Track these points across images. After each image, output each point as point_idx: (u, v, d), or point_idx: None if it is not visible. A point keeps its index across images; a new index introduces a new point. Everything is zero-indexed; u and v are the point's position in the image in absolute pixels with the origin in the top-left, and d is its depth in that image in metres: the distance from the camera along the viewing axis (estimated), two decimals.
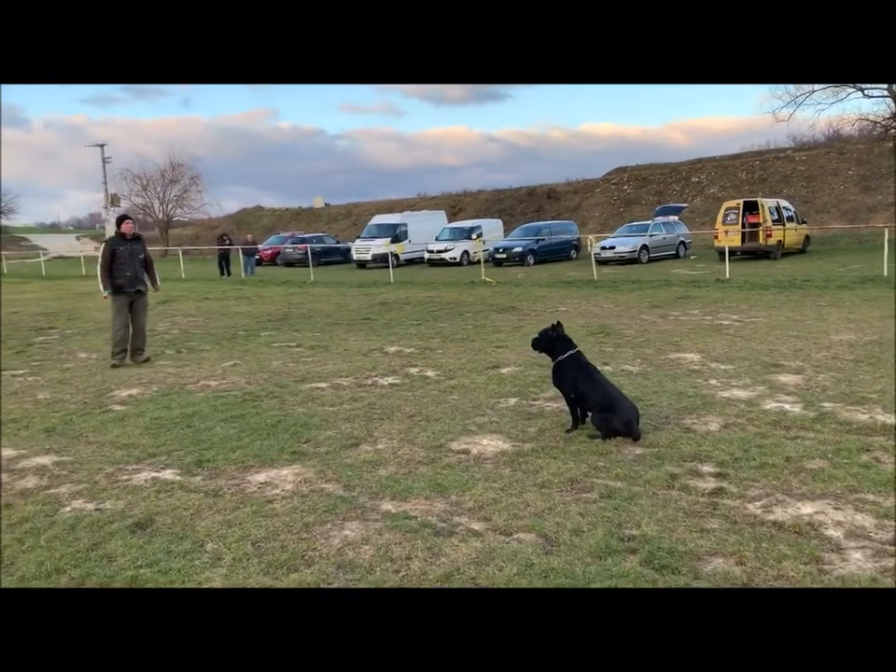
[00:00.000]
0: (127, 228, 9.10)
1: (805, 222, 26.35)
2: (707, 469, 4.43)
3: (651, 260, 24.87)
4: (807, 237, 25.88)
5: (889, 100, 27.74)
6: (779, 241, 23.25)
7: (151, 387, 7.50)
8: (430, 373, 7.67)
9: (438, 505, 4.06)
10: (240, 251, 27.73)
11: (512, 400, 6.34)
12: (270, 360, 8.87)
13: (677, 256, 26.31)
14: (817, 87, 28.37)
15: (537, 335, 5.67)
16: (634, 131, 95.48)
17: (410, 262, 30.40)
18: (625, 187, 44.93)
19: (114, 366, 8.74)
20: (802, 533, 3.51)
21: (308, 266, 26.35)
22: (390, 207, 51.23)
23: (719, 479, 4.25)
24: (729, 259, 21.34)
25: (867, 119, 28.61)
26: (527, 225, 31.27)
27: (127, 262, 8.93)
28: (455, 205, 49.09)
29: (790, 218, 24.39)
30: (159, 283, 9.66)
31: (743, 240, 23.07)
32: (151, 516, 4.07)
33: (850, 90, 28.06)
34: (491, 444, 5.12)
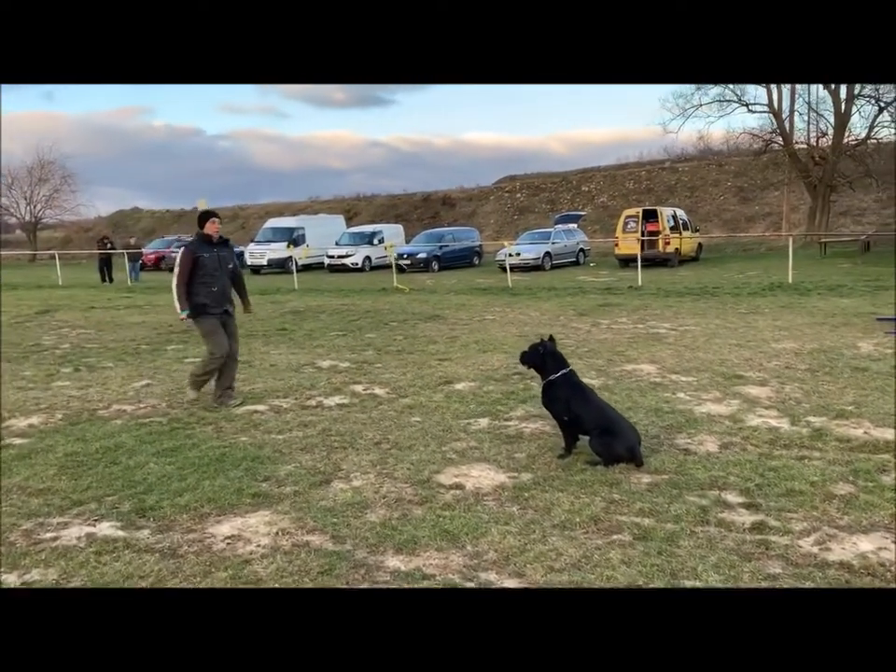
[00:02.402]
0: (213, 228, 6.63)
1: (697, 230, 27.38)
2: (733, 498, 4.06)
3: (553, 267, 25.05)
4: (700, 245, 26.88)
5: (771, 115, 29.33)
6: (676, 249, 23.97)
7: (55, 414, 6.43)
8: (379, 391, 7.01)
9: (455, 558, 3.45)
10: (125, 256, 25.75)
11: (483, 421, 5.80)
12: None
13: (577, 263, 26.66)
14: (704, 100, 29.67)
15: (526, 349, 5.15)
16: (515, 140, 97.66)
17: (307, 268, 29.27)
18: (518, 195, 45.51)
19: (194, 395, 6.67)
20: (876, 575, 3.16)
21: None
22: (280, 210, 49.68)
23: (752, 511, 3.88)
24: (630, 266, 21.79)
25: (751, 134, 30.11)
26: (430, 231, 30.90)
27: (213, 274, 6.55)
28: (350, 210, 48.13)
29: (684, 226, 25.23)
30: (251, 303, 7.32)
31: (643, 247, 23.62)
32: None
33: (735, 104, 29.50)
34: (484, 476, 4.55)
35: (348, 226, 35.12)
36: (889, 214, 33.08)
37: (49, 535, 3.85)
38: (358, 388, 7.18)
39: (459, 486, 4.37)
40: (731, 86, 29.29)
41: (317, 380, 7.63)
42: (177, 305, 6.54)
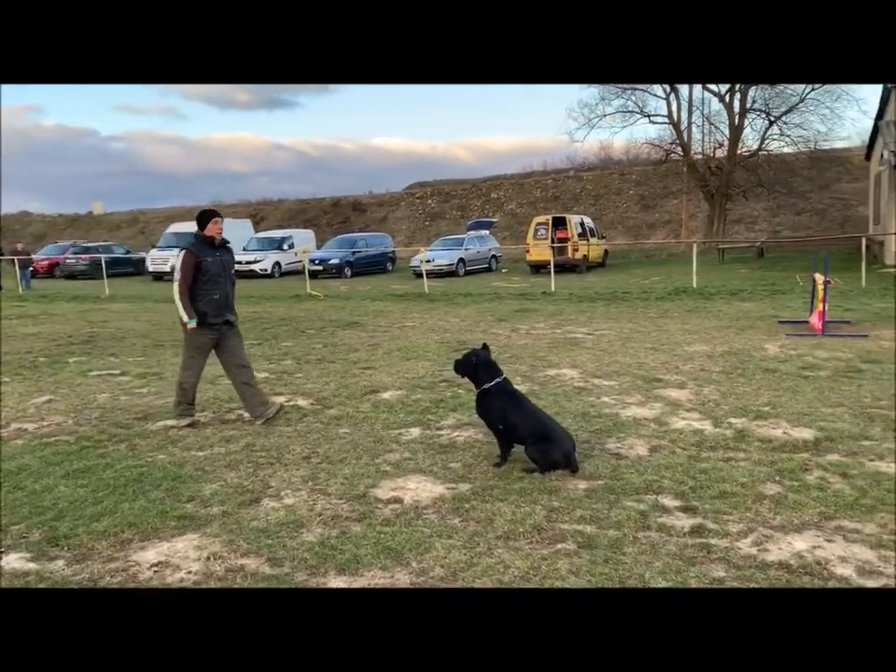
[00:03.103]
0: (215, 230, 6.07)
1: (604, 237, 28.18)
2: (669, 502, 4.11)
3: (467, 273, 25.23)
4: (606, 251, 27.67)
5: (671, 126, 30.57)
6: (585, 255, 24.58)
7: None
8: (303, 402, 6.80)
9: (401, 576, 3.33)
10: (15, 262, 24.19)
11: (415, 431, 5.69)
12: (94, 394, 7.45)
13: (490, 269, 26.96)
14: (608, 110, 30.64)
15: (460, 357, 5.08)
16: (423, 147, 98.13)
17: None
18: (429, 201, 45.68)
19: (188, 426, 6.03)
20: (814, 574, 3.24)
21: (95, 279, 23.69)
22: (183, 215, 47.95)
23: (690, 514, 3.93)
24: (541, 273, 22.19)
25: (652, 144, 31.28)
26: (342, 236, 30.55)
27: (217, 280, 6.01)
28: (256, 214, 47.00)
29: (591, 233, 25.92)
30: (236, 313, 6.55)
31: (553, 254, 24.11)
32: None
33: (638, 115, 30.60)
34: (422, 488, 4.44)
35: (256, 231, 34.29)
36: (778, 221, 35.11)
37: None
38: (280, 400, 6.92)
39: (397, 500, 4.25)
40: (633, 97, 30.41)
41: (235, 392, 7.31)
42: (183, 314, 5.95)
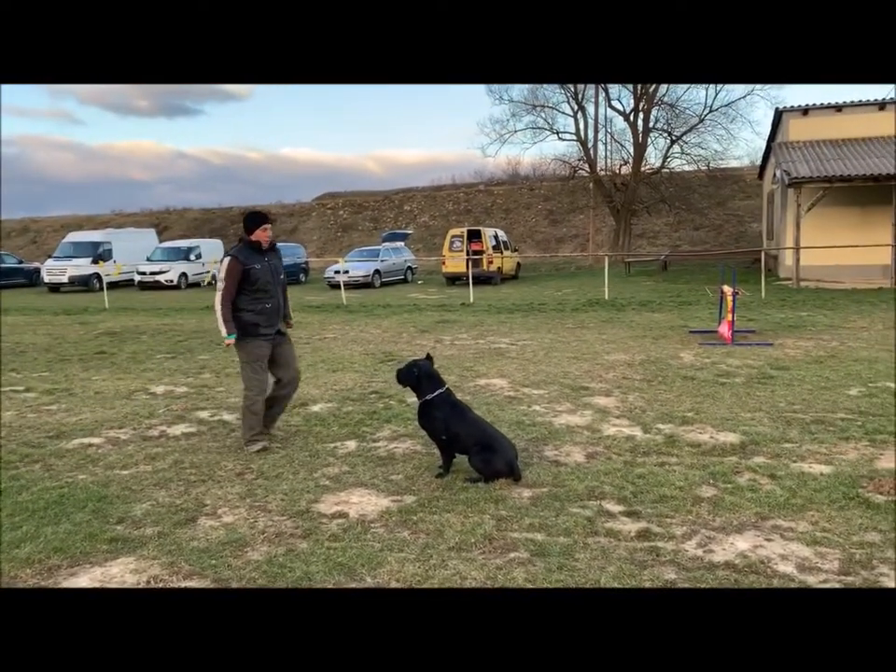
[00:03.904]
0: (264, 236, 5.44)
1: (517, 250, 28.68)
2: (613, 507, 4.18)
3: (383, 285, 25.14)
4: (519, 264, 28.16)
5: (579, 144, 31.50)
6: (499, 267, 24.93)
7: None
8: (228, 417, 6.55)
9: None
10: None
11: (351, 444, 5.58)
12: None
13: (405, 280, 26.96)
14: (519, 127, 31.30)
15: (402, 366, 5.02)
16: (331, 158, 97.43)
17: (114, 285, 27.06)
18: (341, 212, 45.38)
19: (260, 450, 5.40)
20: (759, 572, 3.36)
21: None
22: (80, 224, 45.84)
23: (634, 518, 4.01)
24: (456, 284, 22.34)
25: (561, 160, 32.16)
26: None
27: (267, 289, 5.45)
28: (160, 223, 45.45)
29: (505, 246, 26.34)
30: (292, 316, 6.02)
31: (468, 266, 24.35)
32: None
33: (547, 132, 31.40)
34: (366, 502, 4.35)
35: (160, 241, 33.09)
36: (678, 236, 36.74)
37: None
38: (204, 415, 6.67)
39: (342, 514, 4.15)
40: (543, 114, 31.21)
41: (155, 407, 7.00)
42: (223, 328, 5.37)
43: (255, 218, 5.52)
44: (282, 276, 5.70)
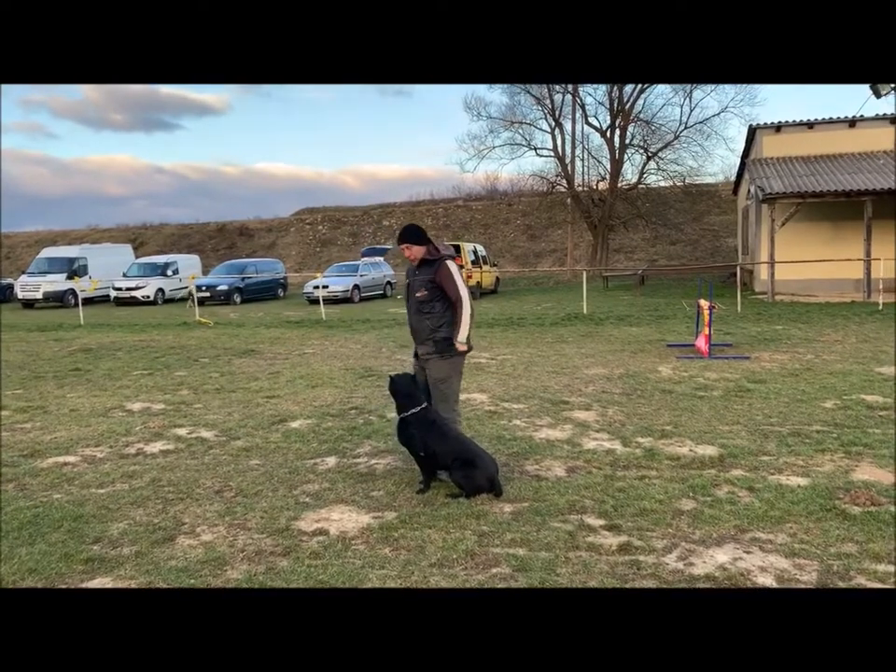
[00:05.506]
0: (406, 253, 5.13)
1: (496, 265, 28.80)
2: (593, 521, 4.19)
3: (362, 300, 25.10)
4: (497, 278, 28.27)
5: (557, 160, 31.78)
6: (478, 282, 25.02)
7: None
8: (206, 434, 6.49)
9: None
10: None
11: (331, 460, 5.55)
12: None
13: (385, 295, 26.95)
14: (497, 143, 31.52)
15: (395, 376, 5.01)
16: (309, 172, 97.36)
17: (89, 301, 26.74)
18: (320, 227, 45.27)
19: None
20: (739, 585, 3.38)
21: None
22: (55, 239, 45.37)
23: (615, 532, 4.03)
24: None
25: (539, 176, 32.40)
26: (231, 262, 29.65)
27: (407, 305, 5.26)
28: (136, 239, 45.01)
29: (484, 261, 26.45)
30: (465, 334, 5.07)
31: None
32: None
33: (525, 148, 31.65)
34: (346, 518, 4.33)
35: (136, 256, 32.83)
36: (655, 251, 37.09)
37: None
38: (182, 432, 6.60)
39: (323, 532, 4.12)
40: (521, 130, 31.46)
41: (131, 425, 6.92)
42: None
43: (415, 232, 5.18)
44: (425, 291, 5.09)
